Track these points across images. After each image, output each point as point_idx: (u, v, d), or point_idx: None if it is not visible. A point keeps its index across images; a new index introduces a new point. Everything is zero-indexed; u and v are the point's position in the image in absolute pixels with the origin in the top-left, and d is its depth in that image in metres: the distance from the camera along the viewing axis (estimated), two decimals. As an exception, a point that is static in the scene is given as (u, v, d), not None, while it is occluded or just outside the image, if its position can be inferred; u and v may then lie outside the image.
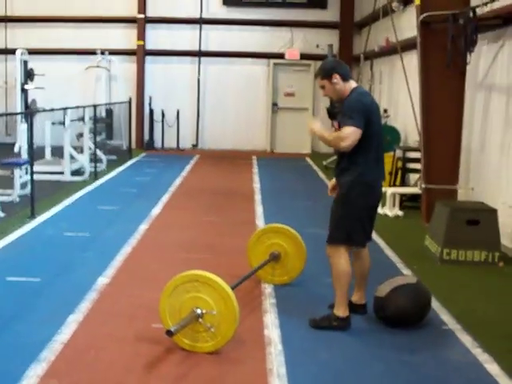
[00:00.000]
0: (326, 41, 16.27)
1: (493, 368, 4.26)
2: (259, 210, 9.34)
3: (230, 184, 11.83)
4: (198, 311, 4.23)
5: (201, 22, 16.50)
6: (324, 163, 14.40)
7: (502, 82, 7.77)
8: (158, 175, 12.59)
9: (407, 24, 11.64)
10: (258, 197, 10.41)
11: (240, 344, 4.42)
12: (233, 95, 16.96)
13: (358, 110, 4.50)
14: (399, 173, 10.58)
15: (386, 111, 12.44)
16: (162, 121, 16.61)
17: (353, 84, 4.72)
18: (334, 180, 5.03)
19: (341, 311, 4.67)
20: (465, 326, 4.97)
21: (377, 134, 4.66)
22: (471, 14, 7.61)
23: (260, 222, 8.43)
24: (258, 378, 3.99)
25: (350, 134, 4.44)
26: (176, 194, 10.47)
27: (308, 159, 16.04)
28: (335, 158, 13.67)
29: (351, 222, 4.67)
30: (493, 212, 6.92)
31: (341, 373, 4.10)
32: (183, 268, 6.19)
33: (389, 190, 9.37)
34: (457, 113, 8.45)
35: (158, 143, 16.77)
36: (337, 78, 4.65)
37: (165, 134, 16.73)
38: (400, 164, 10.47)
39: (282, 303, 5.36)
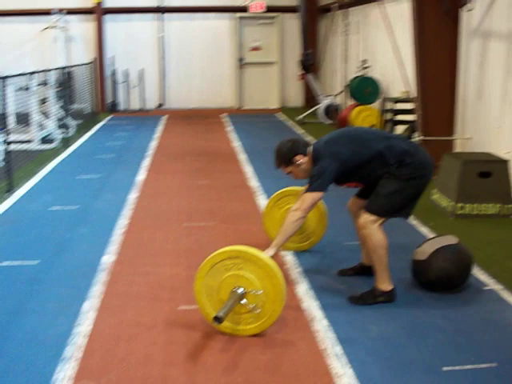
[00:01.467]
0: (290, -9, 15.76)
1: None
2: (249, 170, 8.95)
3: (209, 144, 11.37)
4: (240, 290, 3.83)
5: (161, -24, 15.72)
6: (297, 118, 14.00)
7: (501, 29, 7.44)
8: (131, 138, 12.02)
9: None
10: (242, 156, 10.01)
11: (281, 323, 4.05)
12: (197, 52, 16.34)
13: (319, 170, 4.25)
14: (388, 125, 10.24)
15: (364, 62, 12.04)
16: (126, 81, 15.90)
17: (310, 149, 4.40)
18: None
19: (385, 285, 4.35)
20: (506, 285, 4.71)
21: (370, 141, 4.35)
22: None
23: (254, 184, 8.07)
24: (314, 360, 3.64)
25: (308, 200, 4.25)
26: (156, 157, 9.97)
27: (279, 114, 15.63)
28: (308, 112, 13.58)
29: (405, 197, 4.33)
30: (504, 163, 6.66)
31: (399, 346, 3.78)
32: (190, 238, 5.90)
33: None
34: (452, 61, 8.15)
35: (122, 105, 16.08)
36: (300, 159, 4.37)
37: (129, 95, 16.05)
38: (389, 116, 10.12)
39: (311, 272, 5.02)
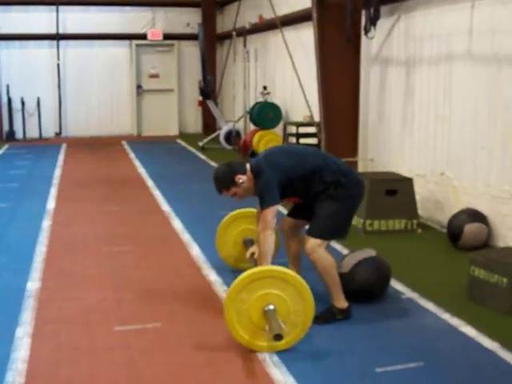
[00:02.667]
0: (187, 20, 16.12)
1: (468, 330, 4.37)
2: (158, 195, 9.02)
3: (114, 171, 11.35)
4: (271, 307, 3.93)
5: (57, 2, 15.52)
6: (200, 144, 14.20)
7: (399, 55, 7.95)
8: (33, 167, 11.81)
9: (280, 0, 11.70)
10: (149, 182, 10.07)
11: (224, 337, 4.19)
12: (95, 79, 16.22)
13: (266, 184, 4.36)
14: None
15: (265, 88, 12.42)
16: (22, 109, 15.57)
17: (247, 166, 4.53)
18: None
19: (341, 302, 4.50)
20: (421, 293, 5.05)
21: (308, 156, 4.57)
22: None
23: (166, 208, 8.15)
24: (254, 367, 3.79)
25: (269, 216, 4.33)
26: (63, 185, 9.85)
27: (179, 141, 15.78)
28: (209, 138, 13.78)
29: (344, 217, 4.55)
30: (409, 181, 7.10)
31: (332, 354, 4.01)
32: (112, 262, 5.94)
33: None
34: (354, 87, 8.59)
35: (19, 133, 15.70)
36: (241, 178, 4.47)
37: (26, 124, 15.70)
38: (292, 140, 10.48)
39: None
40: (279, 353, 3.97)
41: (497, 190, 6.23)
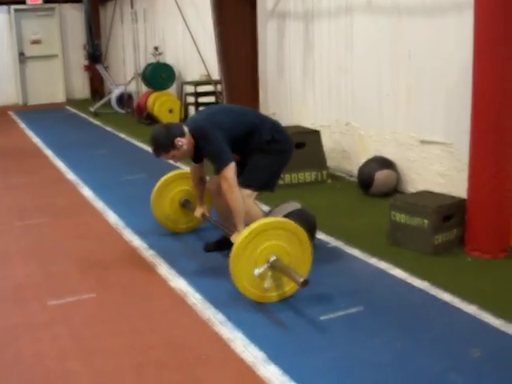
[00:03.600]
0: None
1: (398, 272, 4.58)
2: (60, 165, 8.77)
3: (8, 143, 10.93)
4: (274, 258, 3.97)
5: None
6: (91, 110, 13.83)
7: (296, 9, 8.01)
8: None
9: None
10: (48, 152, 9.76)
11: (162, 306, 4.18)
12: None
13: (217, 145, 4.37)
14: (190, 108, 10.53)
15: (156, 49, 12.20)
16: None
17: (185, 129, 4.47)
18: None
19: None
20: (345, 240, 5.22)
21: (246, 115, 4.65)
22: None
23: (71, 177, 7.96)
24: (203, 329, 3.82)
25: (229, 174, 4.33)
26: (-46, 160, 9.39)
27: (69, 107, 15.31)
28: (101, 103, 13.44)
29: (275, 171, 4.69)
30: (317, 133, 7.24)
31: (273, 309, 4.08)
32: (30, 236, 5.79)
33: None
34: (251, 42, 8.57)
35: None
36: (180, 141, 4.42)
37: None
38: (191, 99, 10.41)
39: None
40: (224, 311, 4.01)
41: (403, 136, 6.47)
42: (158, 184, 5.44)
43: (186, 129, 4.49)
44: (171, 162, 4.87)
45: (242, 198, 4.41)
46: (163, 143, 4.45)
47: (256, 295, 4.05)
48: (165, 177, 5.46)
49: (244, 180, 4.49)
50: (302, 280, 3.77)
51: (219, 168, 4.36)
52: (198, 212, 5.03)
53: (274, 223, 4.09)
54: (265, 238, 3.99)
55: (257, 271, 3.94)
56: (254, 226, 4.00)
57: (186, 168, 5.87)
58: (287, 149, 4.69)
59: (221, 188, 4.74)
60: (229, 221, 4.85)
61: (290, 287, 4.11)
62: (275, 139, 4.56)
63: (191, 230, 5.59)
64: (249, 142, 4.55)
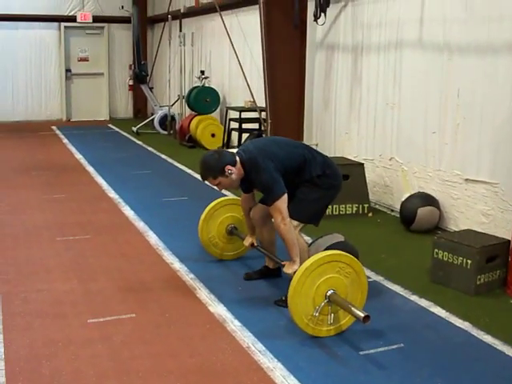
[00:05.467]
0: (118, 3, 15.73)
1: (439, 311, 4.53)
2: (101, 182, 8.86)
3: (51, 157, 11.05)
4: (331, 292, 3.97)
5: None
6: (134, 129, 13.99)
7: (346, 42, 8.03)
8: (-38, 154, 11.38)
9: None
10: (90, 169, 9.87)
11: (202, 332, 4.18)
12: (23, 62, 15.69)
13: (270, 176, 4.33)
14: (233, 133, 10.60)
15: (202, 73, 12.33)
16: None
17: (237, 158, 4.45)
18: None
19: None
20: (385, 276, 5.18)
21: (298, 148, 4.63)
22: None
23: (113, 195, 8.03)
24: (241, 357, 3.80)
25: (282, 205, 4.30)
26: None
27: (112, 126, 15.51)
28: (143, 123, 13.59)
29: (322, 205, 4.69)
30: (361, 166, 7.23)
31: (316, 340, 4.04)
32: (70, 252, 5.82)
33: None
34: (299, 72, 8.68)
35: None
36: (230, 169, 4.40)
37: (-51, 108, 15.08)
38: (235, 125, 10.48)
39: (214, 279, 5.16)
40: (263, 340, 3.99)
41: (448, 174, 6.42)
42: (208, 208, 5.44)
43: (237, 158, 4.48)
44: (215, 188, 4.86)
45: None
46: (213, 168, 4.44)
47: (313, 330, 4.02)
48: (215, 202, 5.46)
49: (291, 212, 4.42)
50: (363, 315, 3.74)
51: (272, 199, 4.33)
52: (248, 241, 5.02)
53: (330, 256, 4.04)
54: (321, 273, 3.96)
55: (315, 312, 3.94)
56: (310, 261, 3.97)
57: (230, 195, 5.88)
58: (336, 184, 4.67)
59: (264, 218, 4.76)
60: (270, 251, 4.85)
61: (345, 321, 4.09)
62: (326, 174, 4.55)
63: (236, 258, 5.58)
64: (299, 176, 4.53)
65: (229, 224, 5.43)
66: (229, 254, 5.54)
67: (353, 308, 3.86)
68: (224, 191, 7.09)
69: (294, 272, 4.10)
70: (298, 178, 4.53)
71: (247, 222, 5.02)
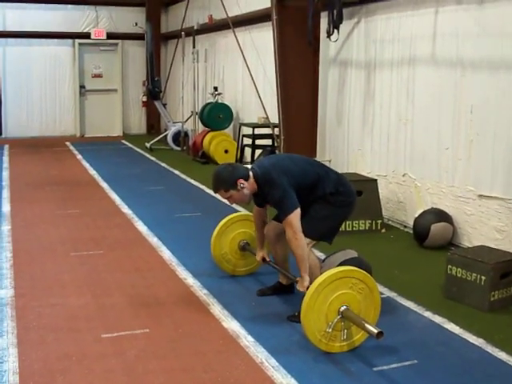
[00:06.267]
0: (131, 19, 15.86)
1: (452, 327, 4.51)
2: (115, 197, 8.90)
3: (65, 173, 11.13)
4: (344, 308, 3.97)
5: (-4, -1, 15.10)
6: (147, 145, 14.07)
7: (359, 58, 8.06)
8: (-23, 169, 11.47)
9: (230, 2, 11.72)
10: (103, 184, 9.93)
11: (216, 350, 4.18)
12: (37, 79, 15.83)
13: (283, 191, 4.34)
14: (246, 149, 10.64)
15: (216, 89, 12.39)
16: (-39, 110, 15.08)
17: (250, 172, 4.48)
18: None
19: None
20: (399, 292, 5.16)
21: (312, 165, 4.67)
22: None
23: (126, 211, 8.07)
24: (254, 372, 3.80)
25: (294, 220, 4.31)
26: (14, 187, 9.60)
27: (125, 141, 15.60)
28: (157, 139, 13.65)
29: (335, 223, 4.68)
30: (374, 182, 7.23)
31: (329, 355, 4.04)
32: (85, 267, 5.85)
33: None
34: (312, 88, 8.70)
35: (-43, 134, 15.21)
36: (243, 183, 4.42)
37: (-36, 124, 15.22)
38: (248, 141, 10.52)
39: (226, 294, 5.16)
40: (277, 356, 3.99)
41: (461, 190, 6.41)
42: (220, 224, 5.45)
43: (250, 173, 4.49)
44: (226, 202, 4.88)
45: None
46: (225, 180, 4.45)
47: (326, 346, 4.02)
48: (226, 218, 5.47)
49: (304, 229, 4.40)
50: (377, 331, 3.73)
51: (284, 213, 4.33)
52: (259, 255, 5.03)
53: (343, 272, 4.04)
54: (334, 289, 3.96)
55: (329, 328, 3.94)
56: (323, 277, 3.97)
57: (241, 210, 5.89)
58: (350, 202, 4.67)
59: (278, 235, 4.76)
60: (283, 267, 4.86)
61: (358, 336, 4.08)
62: (339, 191, 4.55)
63: (248, 274, 5.58)
64: (312, 193, 4.53)
65: (241, 240, 5.43)
66: (241, 270, 5.55)
67: (366, 324, 3.85)
68: (236, 206, 7.13)
69: (307, 288, 4.11)
70: (311, 194, 4.53)
71: (258, 236, 5.03)
